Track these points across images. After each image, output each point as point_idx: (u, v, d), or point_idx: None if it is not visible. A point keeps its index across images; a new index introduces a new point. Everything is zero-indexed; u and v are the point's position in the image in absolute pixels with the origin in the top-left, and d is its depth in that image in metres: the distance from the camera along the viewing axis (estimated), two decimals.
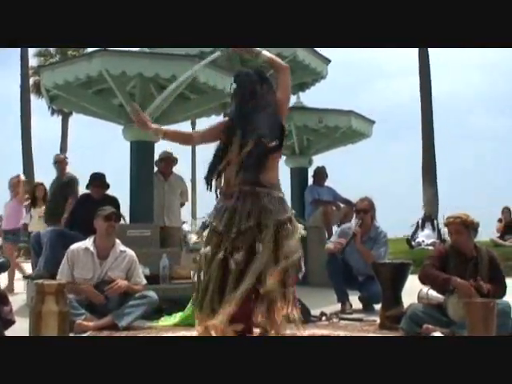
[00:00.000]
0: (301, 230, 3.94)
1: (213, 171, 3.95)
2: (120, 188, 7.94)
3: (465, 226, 4.71)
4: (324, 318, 5.54)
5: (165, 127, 4.45)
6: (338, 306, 6.27)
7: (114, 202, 6.71)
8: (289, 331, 3.80)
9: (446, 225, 4.91)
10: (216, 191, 3.99)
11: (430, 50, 19.71)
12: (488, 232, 13.12)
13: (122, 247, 5.36)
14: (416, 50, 19.79)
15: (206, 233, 3.96)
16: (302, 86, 9.52)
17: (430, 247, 11.75)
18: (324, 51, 8.73)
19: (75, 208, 7.27)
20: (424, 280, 4.82)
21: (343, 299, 6.29)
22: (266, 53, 4.10)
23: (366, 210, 6.46)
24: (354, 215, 6.78)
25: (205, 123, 4.34)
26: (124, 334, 4.80)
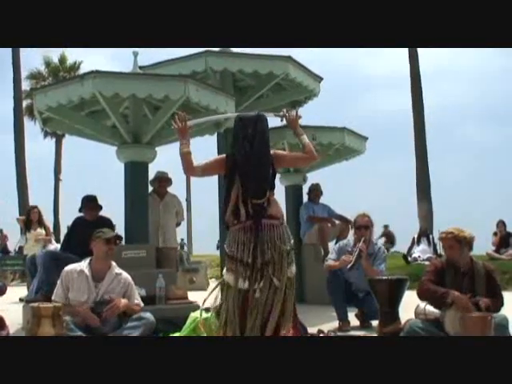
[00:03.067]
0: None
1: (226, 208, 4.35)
2: (115, 209, 7.93)
3: (457, 241, 4.73)
4: (321, 335, 5.52)
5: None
6: (335, 324, 6.25)
7: (108, 223, 6.69)
8: None
9: (440, 240, 4.94)
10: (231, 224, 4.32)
11: (420, 61, 19.82)
12: (483, 246, 13.20)
13: (118, 270, 5.33)
14: (407, 63, 19.89)
15: (231, 264, 4.24)
16: (294, 104, 9.56)
17: (426, 262, 11.75)
18: (314, 68, 8.78)
19: (71, 231, 7.26)
20: (422, 296, 4.82)
21: (343, 317, 6.27)
22: (305, 137, 4.44)
23: (367, 226, 6.47)
24: (353, 231, 6.76)
25: (198, 143, 4.48)
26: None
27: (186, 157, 4.38)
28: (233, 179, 4.29)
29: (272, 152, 4.37)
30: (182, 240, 24.47)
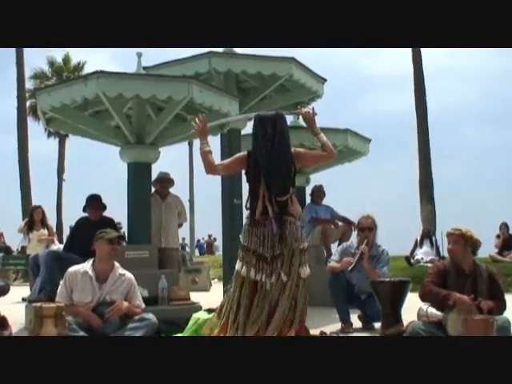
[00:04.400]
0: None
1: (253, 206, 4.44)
2: (118, 209, 7.94)
3: (463, 238, 4.75)
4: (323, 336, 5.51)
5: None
6: (338, 326, 6.24)
7: (110, 224, 6.70)
8: None
9: (447, 236, 4.94)
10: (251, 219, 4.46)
11: (423, 63, 19.79)
12: (486, 248, 13.15)
13: (121, 270, 5.33)
14: (409, 63, 19.88)
15: (243, 254, 4.43)
16: (297, 106, 9.55)
17: (429, 264, 11.72)
18: (316, 69, 8.77)
19: (74, 230, 7.27)
20: (424, 297, 4.82)
21: (345, 319, 6.26)
22: (323, 136, 4.58)
23: (370, 227, 6.44)
24: (357, 233, 6.75)
25: None
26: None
27: (207, 156, 4.52)
28: (257, 178, 4.33)
29: (292, 150, 4.45)
30: (184, 239, 24.46)
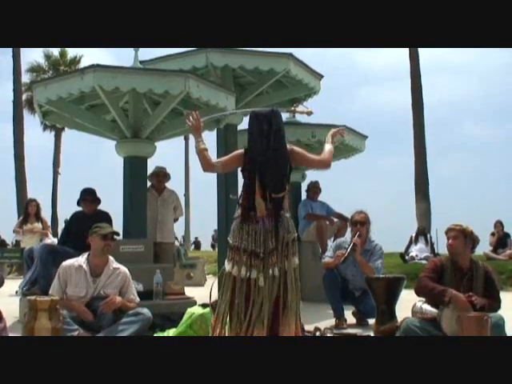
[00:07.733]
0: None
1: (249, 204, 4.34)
2: (113, 203, 7.93)
3: (463, 234, 4.76)
4: (318, 333, 5.52)
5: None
6: (333, 321, 6.26)
7: (106, 217, 6.69)
8: None
9: (446, 232, 4.94)
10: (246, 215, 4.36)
11: (424, 59, 19.83)
12: (481, 246, 13.16)
13: (116, 264, 5.33)
14: (407, 59, 19.88)
15: (232, 254, 4.31)
16: (294, 102, 9.55)
17: (424, 261, 11.76)
18: (313, 64, 8.76)
19: (69, 224, 7.26)
20: (420, 292, 4.82)
21: (339, 314, 6.27)
22: (332, 148, 4.60)
23: (362, 222, 6.46)
24: (350, 228, 6.77)
25: None
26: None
27: (203, 154, 4.42)
28: (253, 174, 4.32)
29: (289, 148, 4.42)
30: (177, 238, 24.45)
